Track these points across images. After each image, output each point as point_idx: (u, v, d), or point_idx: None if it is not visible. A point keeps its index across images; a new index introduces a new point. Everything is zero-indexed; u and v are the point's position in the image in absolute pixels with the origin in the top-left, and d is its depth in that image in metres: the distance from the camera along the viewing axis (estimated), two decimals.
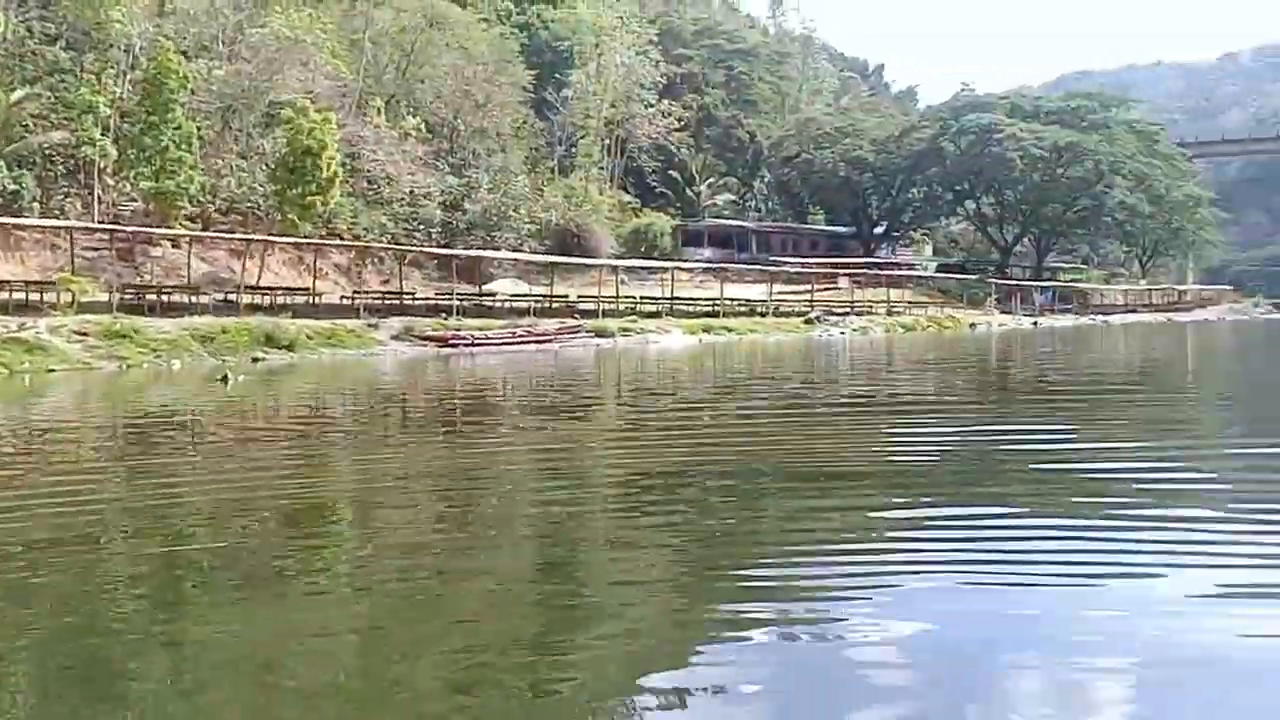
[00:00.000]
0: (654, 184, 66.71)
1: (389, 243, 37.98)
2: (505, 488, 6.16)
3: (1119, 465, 6.29)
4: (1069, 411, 10.37)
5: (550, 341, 27.44)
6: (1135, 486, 5.46)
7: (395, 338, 25.14)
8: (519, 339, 26.75)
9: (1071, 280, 69.90)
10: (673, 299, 39.05)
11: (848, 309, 44.15)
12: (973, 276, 58.89)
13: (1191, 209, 70.63)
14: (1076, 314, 57.93)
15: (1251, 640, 2.99)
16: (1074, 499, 5.24)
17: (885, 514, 4.87)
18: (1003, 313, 51.28)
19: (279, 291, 28.67)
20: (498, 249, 41.10)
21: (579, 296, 36.92)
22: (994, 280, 58.38)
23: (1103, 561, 3.92)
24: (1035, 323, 47.34)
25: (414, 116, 47.56)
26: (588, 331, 30.02)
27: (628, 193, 64.26)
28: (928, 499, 5.20)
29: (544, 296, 35.48)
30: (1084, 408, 10.80)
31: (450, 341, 24.89)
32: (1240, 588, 3.49)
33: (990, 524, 4.54)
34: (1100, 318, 55.52)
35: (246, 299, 26.41)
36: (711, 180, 69.41)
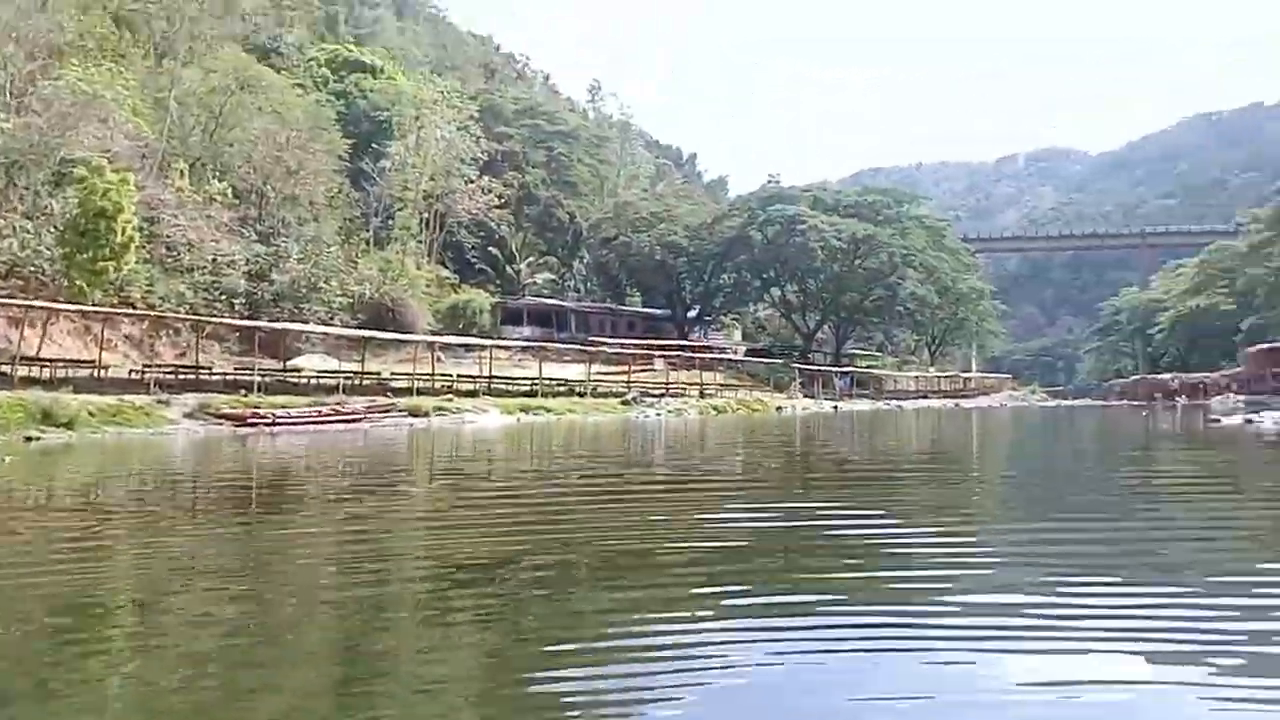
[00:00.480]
0: (474, 260, 66.48)
1: (187, 313, 35.84)
2: (302, 584, 5.73)
3: (923, 545, 6.55)
4: (872, 493, 10.81)
5: (359, 420, 26.44)
6: (941, 569, 5.67)
7: (188, 415, 23.57)
8: (325, 418, 25.62)
9: (868, 366, 74.26)
10: (490, 378, 38.67)
11: (663, 390, 45.02)
12: (779, 361, 61.55)
13: (975, 301, 76.98)
14: (873, 398, 61.40)
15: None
16: (884, 582, 5.37)
17: (700, 607, 4.82)
18: (806, 396, 53.67)
19: (60, 364, 26.35)
20: (306, 322, 39.55)
21: (392, 374, 35.97)
22: (798, 365, 61.22)
23: (920, 647, 3.99)
24: (835, 407, 49.76)
25: (221, 180, 45.58)
26: (400, 410, 29.17)
27: (446, 268, 63.71)
28: (740, 587, 5.20)
29: (354, 373, 34.33)
30: (885, 489, 11.29)
31: (249, 420, 23.56)
32: (1057, 668, 3.61)
33: (801, 613, 4.57)
34: (895, 403, 59.07)
35: (23, 371, 24.14)
36: (532, 259, 69.94)
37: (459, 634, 4.43)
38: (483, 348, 42.13)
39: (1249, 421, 23.07)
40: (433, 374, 36.07)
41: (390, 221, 59.49)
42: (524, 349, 45.18)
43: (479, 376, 38.73)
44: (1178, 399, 53.01)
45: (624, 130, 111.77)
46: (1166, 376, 64.69)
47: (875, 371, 72.75)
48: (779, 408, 45.67)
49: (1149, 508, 9.44)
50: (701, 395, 46.08)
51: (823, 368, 63.85)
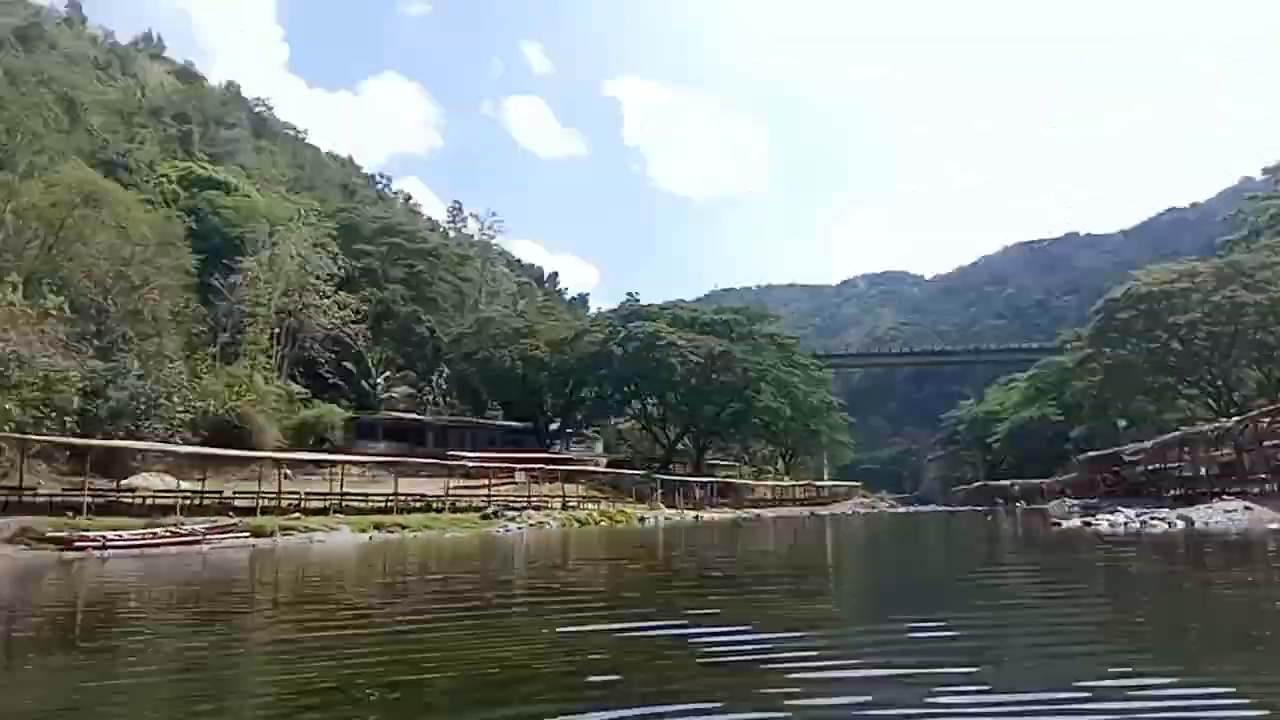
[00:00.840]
0: (328, 375, 64.76)
1: (12, 430, 33.31)
2: None
3: (788, 655, 6.56)
4: (732, 602, 10.83)
5: (198, 542, 24.91)
6: (808, 676, 5.69)
7: (9, 540, 21.72)
8: (160, 540, 24.02)
9: (727, 476, 75.42)
10: (342, 495, 37.22)
11: (525, 503, 44.34)
12: (640, 472, 61.74)
13: (825, 413, 79.79)
14: (733, 507, 62.16)
15: None
16: (749, 696, 5.35)
17: None
18: (668, 506, 53.87)
19: None
20: (144, 439, 37.32)
21: (235, 493, 34.17)
22: (659, 476, 61.57)
23: None
24: (697, 516, 50.08)
25: (58, 295, 43.20)
26: (243, 531, 27.67)
27: (297, 383, 61.71)
28: (603, 708, 5.09)
29: (195, 492, 32.48)
30: (745, 598, 11.33)
31: (75, 544, 21.86)
32: None
33: None
34: (753, 511, 59.96)
35: None
36: (389, 373, 68.72)
37: None
38: (334, 464, 40.63)
39: (1087, 524, 24.44)
40: (279, 492, 34.43)
41: (240, 336, 57.49)
42: (379, 464, 43.80)
43: (330, 494, 37.20)
44: (1018, 504, 55.79)
45: (485, 249, 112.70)
46: (1006, 482, 68.16)
47: (734, 481, 73.89)
48: (642, 518, 45.59)
49: (1009, 606, 9.80)
50: (564, 507, 45.59)
51: (684, 478, 64.44)
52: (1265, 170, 52.41)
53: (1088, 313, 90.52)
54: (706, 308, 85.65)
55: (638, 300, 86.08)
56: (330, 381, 64.39)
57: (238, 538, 26.85)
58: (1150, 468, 38.64)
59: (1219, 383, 63.73)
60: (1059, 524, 26.36)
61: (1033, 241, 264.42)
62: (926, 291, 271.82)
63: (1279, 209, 46.57)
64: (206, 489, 33.59)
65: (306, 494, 36.61)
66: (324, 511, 34.49)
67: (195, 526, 26.59)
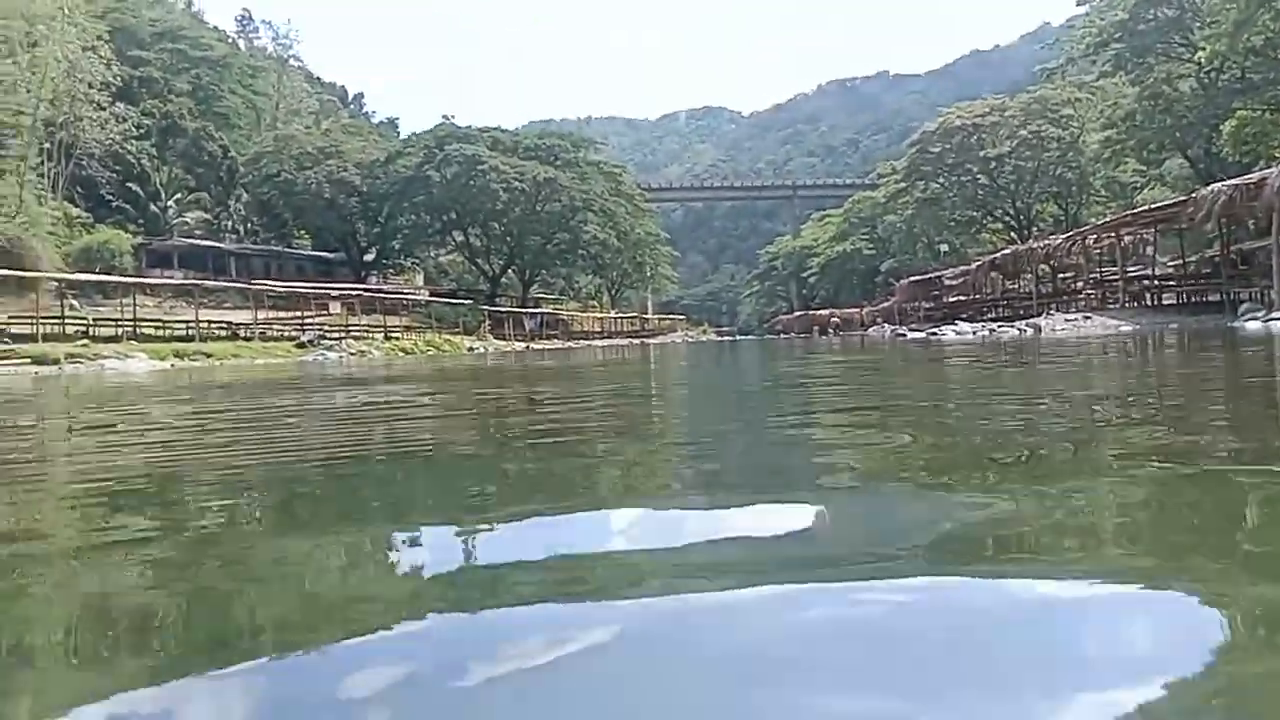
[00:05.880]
0: (110, 197, 58.06)
1: None
2: None
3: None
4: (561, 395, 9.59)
5: None
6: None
7: None
8: None
9: (554, 309, 74.21)
10: (136, 321, 33.44)
11: (343, 333, 41.60)
12: (466, 303, 59.43)
13: (652, 245, 79.08)
14: (562, 338, 61.31)
15: None
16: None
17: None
18: (497, 338, 52.32)
19: None
20: None
21: (10, 318, 30.01)
22: (486, 308, 59.59)
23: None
24: (528, 346, 48.86)
25: None
26: (22, 359, 24.18)
27: (77, 205, 55.07)
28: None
29: None
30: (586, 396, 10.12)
31: None
32: None
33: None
34: (584, 342, 59.33)
35: None
36: (180, 195, 62.27)
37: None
38: (125, 288, 36.39)
39: (932, 334, 24.74)
40: (63, 317, 30.50)
41: (3, 152, 50.21)
42: (176, 290, 39.68)
43: (122, 320, 33.34)
44: (838, 330, 57.71)
45: (281, 64, 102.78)
46: (825, 312, 70.42)
47: (563, 313, 72.83)
48: (471, 348, 43.85)
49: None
50: (386, 338, 43.11)
51: (513, 310, 62.72)
52: (1078, 1, 53.37)
53: (896, 150, 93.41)
54: (530, 133, 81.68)
55: (454, 122, 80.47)
56: (114, 205, 57.79)
57: (15, 365, 23.41)
58: (972, 295, 40.11)
59: (1021, 218, 67.23)
60: (904, 335, 26.75)
61: (845, 80, 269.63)
62: (744, 128, 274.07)
63: (1094, 39, 47.65)
64: None
65: (95, 321, 32.67)
66: (115, 339, 30.84)
67: None
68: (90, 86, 56.08)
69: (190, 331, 34.30)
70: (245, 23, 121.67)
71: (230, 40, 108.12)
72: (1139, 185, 57.25)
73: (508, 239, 69.08)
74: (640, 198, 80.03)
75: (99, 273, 44.21)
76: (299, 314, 44.43)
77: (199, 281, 41.42)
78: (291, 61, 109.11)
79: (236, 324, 37.70)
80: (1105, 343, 14.59)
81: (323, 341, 37.96)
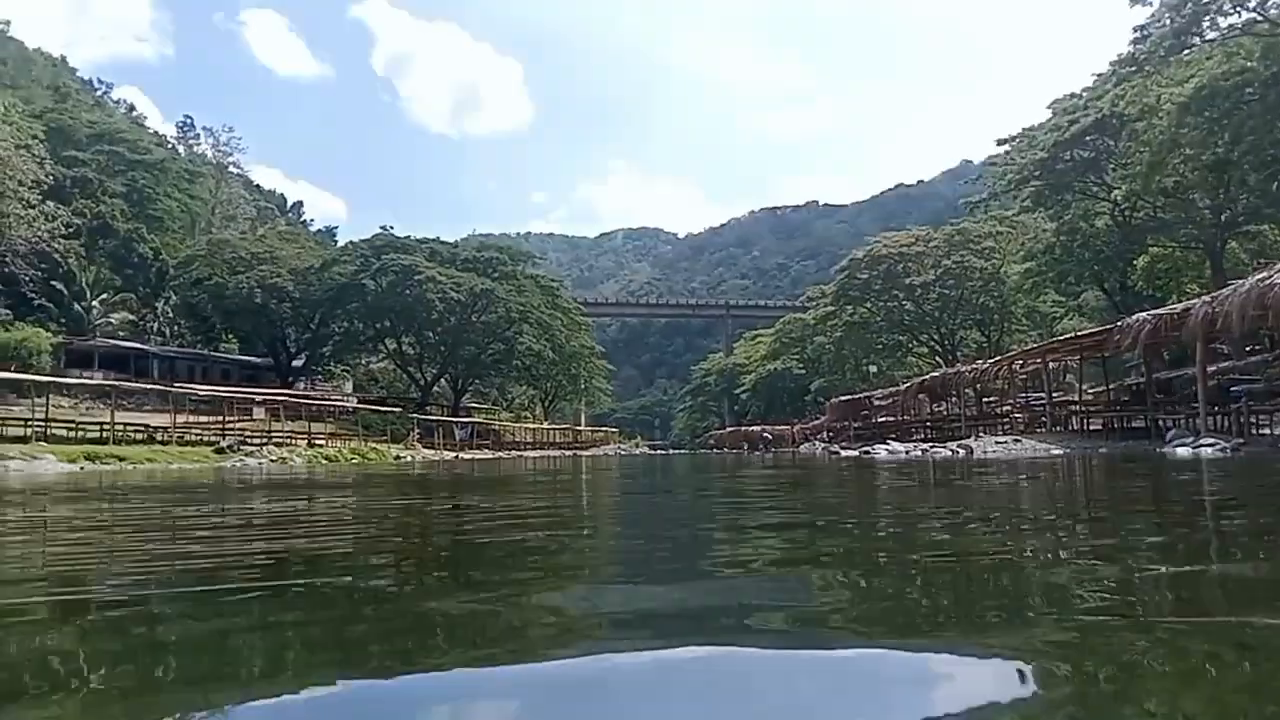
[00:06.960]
0: (32, 295, 56.67)
1: None
2: None
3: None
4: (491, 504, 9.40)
5: None
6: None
7: None
8: None
9: (486, 418, 73.48)
10: (48, 421, 32.20)
11: (265, 439, 40.54)
12: (395, 411, 58.55)
13: (587, 358, 79.38)
14: (493, 449, 60.52)
15: None
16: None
17: None
18: (425, 448, 51.44)
19: None
20: None
21: None
22: (416, 416, 58.77)
23: None
24: (457, 456, 48.10)
25: None
26: None
27: None
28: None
29: None
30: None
31: None
32: None
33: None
34: (515, 452, 58.57)
35: None
36: (106, 295, 61.11)
37: None
38: (39, 387, 35.06)
39: (865, 453, 24.96)
40: None
41: None
42: (93, 391, 38.40)
43: (32, 420, 32.00)
44: (769, 447, 57.95)
45: (220, 170, 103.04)
46: (757, 427, 70.81)
47: (494, 423, 72.10)
48: (398, 457, 42.97)
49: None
50: (310, 445, 42.07)
51: (443, 419, 61.90)
52: (999, 141, 56.60)
53: (825, 275, 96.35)
54: (468, 245, 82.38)
55: (392, 232, 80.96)
56: (36, 303, 56.36)
57: None
58: (901, 416, 40.81)
59: (945, 343, 69.21)
60: (836, 452, 26.93)
61: (776, 208, 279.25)
62: (679, 249, 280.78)
63: (1015, 176, 50.22)
64: None
65: (3, 419, 31.36)
66: (24, 440, 29.57)
67: None
68: (20, 184, 55.33)
69: (105, 434, 33.10)
70: (186, 129, 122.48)
71: (170, 145, 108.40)
72: (1058, 315, 59.65)
73: (442, 348, 68.74)
74: (576, 311, 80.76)
75: (14, 371, 42.74)
76: (220, 419, 43.25)
77: (117, 382, 40.20)
78: (231, 168, 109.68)
79: (154, 427, 36.53)
80: (1050, 464, 14.85)
81: (243, 447, 36.88)
